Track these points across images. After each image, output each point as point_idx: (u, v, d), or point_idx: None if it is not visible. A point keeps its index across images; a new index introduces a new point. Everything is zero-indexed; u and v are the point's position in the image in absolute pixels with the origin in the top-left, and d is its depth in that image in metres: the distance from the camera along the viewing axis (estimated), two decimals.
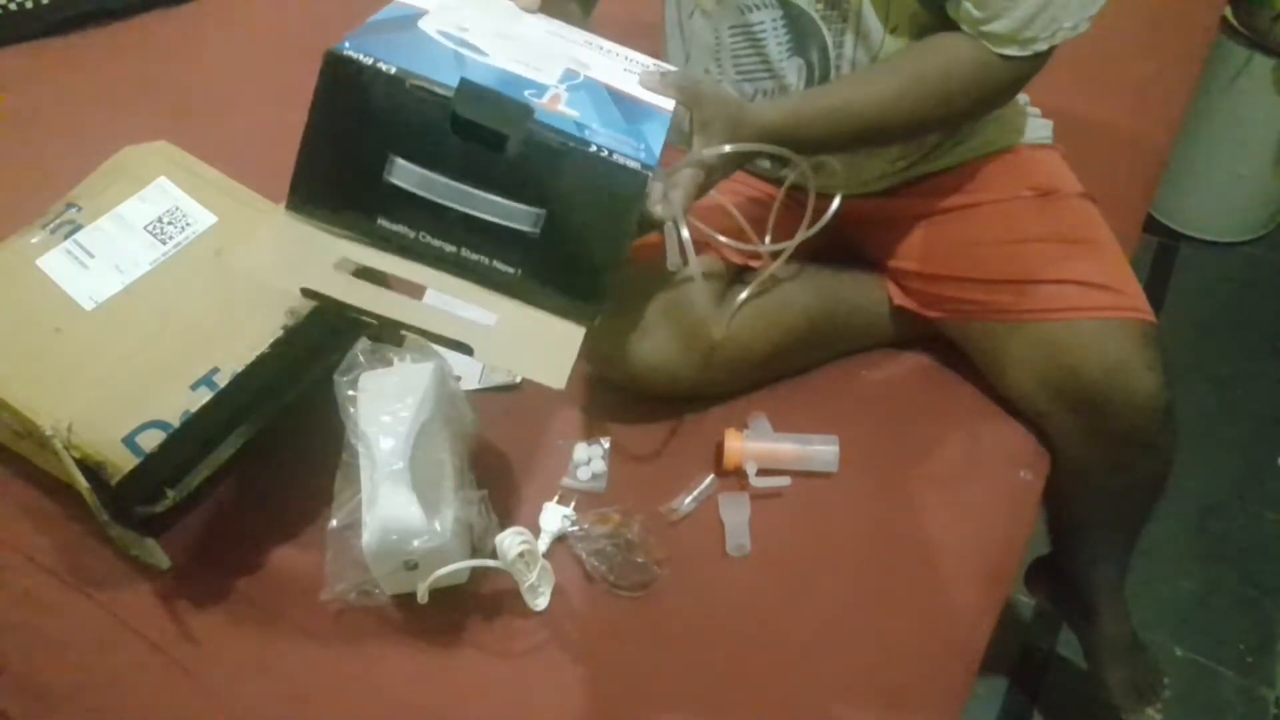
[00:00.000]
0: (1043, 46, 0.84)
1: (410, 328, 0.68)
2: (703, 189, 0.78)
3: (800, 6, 0.90)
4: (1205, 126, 1.80)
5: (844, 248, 1.09)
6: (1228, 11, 1.72)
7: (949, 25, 0.86)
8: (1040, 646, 1.46)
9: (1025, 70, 0.87)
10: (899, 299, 1.05)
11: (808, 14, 0.90)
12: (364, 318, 0.68)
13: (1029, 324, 0.95)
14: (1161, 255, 1.99)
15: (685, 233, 0.75)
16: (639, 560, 0.90)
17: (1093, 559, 1.20)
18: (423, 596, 0.84)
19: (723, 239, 0.92)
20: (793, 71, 0.94)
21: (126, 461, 0.86)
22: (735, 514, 0.94)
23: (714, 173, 0.78)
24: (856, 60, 0.92)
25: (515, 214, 0.66)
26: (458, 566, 0.85)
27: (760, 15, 0.92)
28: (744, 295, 0.99)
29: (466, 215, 0.66)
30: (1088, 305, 0.93)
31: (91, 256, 0.97)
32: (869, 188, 1.03)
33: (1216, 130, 1.84)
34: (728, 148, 0.77)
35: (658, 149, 0.67)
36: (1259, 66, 1.73)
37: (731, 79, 0.98)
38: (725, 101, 0.79)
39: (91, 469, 0.86)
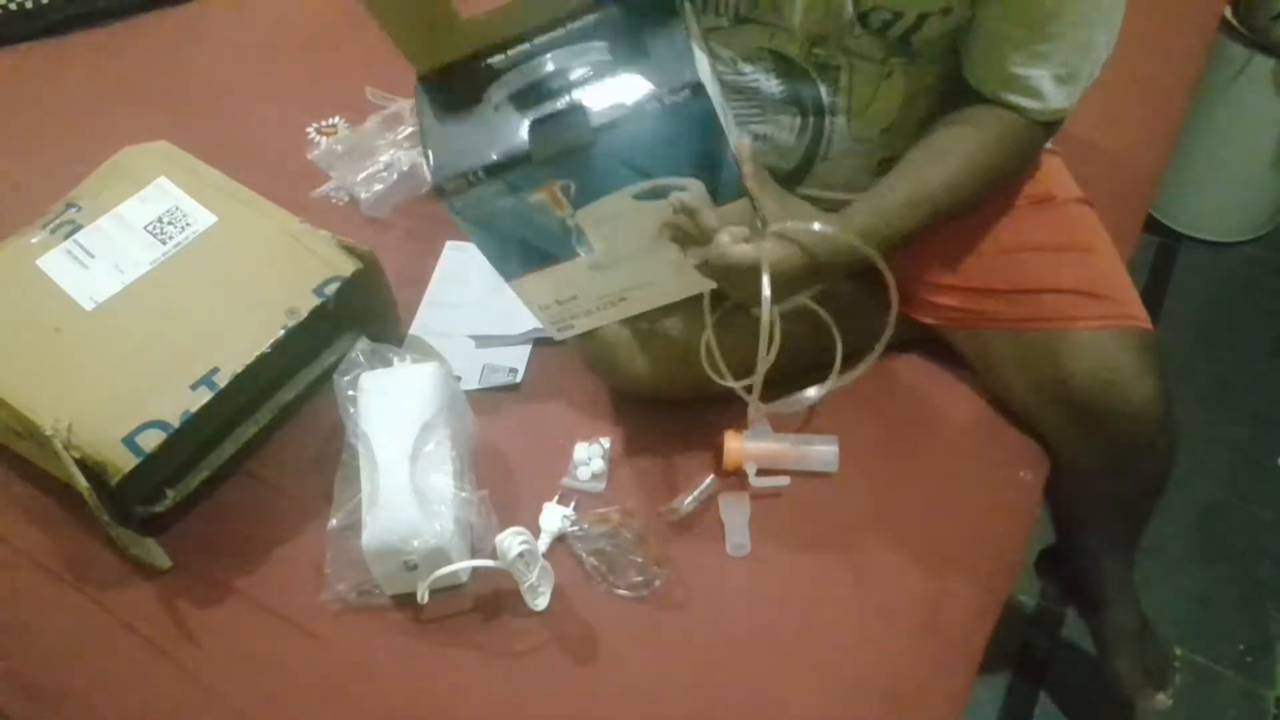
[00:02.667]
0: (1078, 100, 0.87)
1: None
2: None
3: (793, 58, 0.89)
4: (1205, 126, 1.80)
5: None
6: (1228, 11, 1.71)
7: (946, 66, 0.88)
8: (1040, 644, 1.46)
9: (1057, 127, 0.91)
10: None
11: (799, 65, 0.89)
12: None
13: (1022, 333, 0.95)
14: (1161, 255, 1.99)
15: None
16: (639, 560, 0.90)
17: (1097, 553, 1.20)
18: (423, 596, 0.84)
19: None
20: (786, 117, 0.94)
21: (126, 461, 0.86)
22: (735, 514, 0.94)
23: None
24: (853, 106, 0.91)
25: None
26: (458, 566, 0.85)
27: (756, 66, 0.92)
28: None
29: None
30: (1081, 314, 0.93)
31: (91, 256, 0.97)
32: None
33: (1216, 130, 1.83)
34: (816, 226, 0.80)
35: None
36: (1259, 66, 1.72)
37: None
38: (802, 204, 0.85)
39: (91, 469, 0.86)
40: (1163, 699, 1.26)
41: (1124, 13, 0.83)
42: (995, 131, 0.87)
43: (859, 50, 0.87)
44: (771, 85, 0.92)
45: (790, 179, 0.99)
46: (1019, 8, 0.80)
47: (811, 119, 0.93)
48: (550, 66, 0.74)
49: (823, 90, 0.90)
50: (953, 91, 0.89)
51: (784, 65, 0.90)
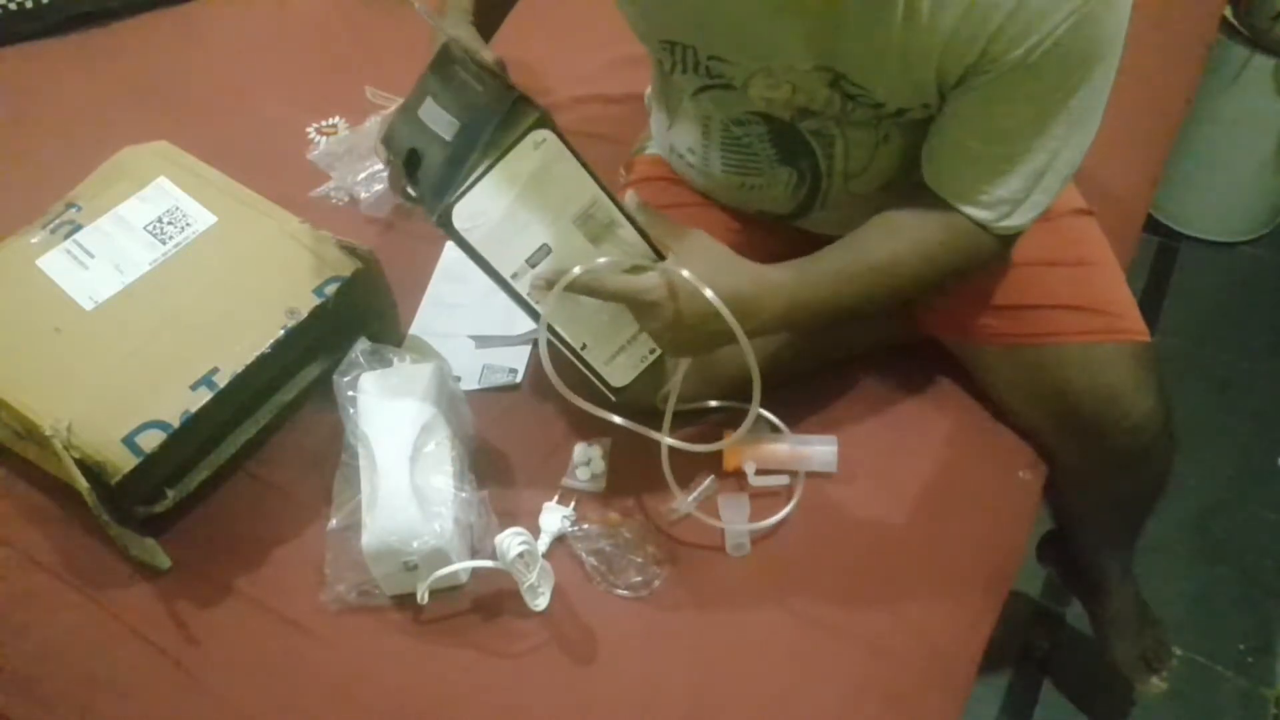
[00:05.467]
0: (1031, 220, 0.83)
1: None
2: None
3: (785, 120, 0.88)
4: (1205, 126, 1.80)
5: None
6: (1228, 11, 1.71)
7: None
8: (1040, 645, 1.46)
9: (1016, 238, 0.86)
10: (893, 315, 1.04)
11: (795, 128, 0.88)
12: None
13: (1019, 348, 0.95)
14: (1161, 255, 1.99)
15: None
16: (639, 560, 0.90)
17: (1097, 545, 1.21)
18: (422, 597, 0.84)
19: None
20: (783, 174, 0.93)
21: (126, 461, 0.86)
22: (735, 514, 0.94)
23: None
24: (849, 170, 0.90)
25: None
26: (457, 567, 0.85)
27: (746, 129, 0.91)
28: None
29: None
30: (1078, 330, 0.93)
31: (91, 256, 0.97)
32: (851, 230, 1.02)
33: (1216, 130, 1.83)
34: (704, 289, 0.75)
35: None
36: (1259, 66, 1.72)
37: (718, 168, 0.97)
38: (737, 260, 0.80)
39: (91, 469, 0.86)
40: (1158, 682, 1.27)
41: (1097, 126, 0.80)
42: (953, 227, 0.82)
43: (852, 120, 0.85)
44: (766, 147, 0.92)
45: (783, 219, 0.99)
46: (979, 120, 0.77)
47: (809, 177, 0.92)
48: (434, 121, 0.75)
49: (818, 153, 0.90)
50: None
51: (776, 127, 0.89)
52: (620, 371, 0.86)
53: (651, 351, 0.86)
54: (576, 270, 0.76)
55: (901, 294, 0.86)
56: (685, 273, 0.76)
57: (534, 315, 0.79)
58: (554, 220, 0.76)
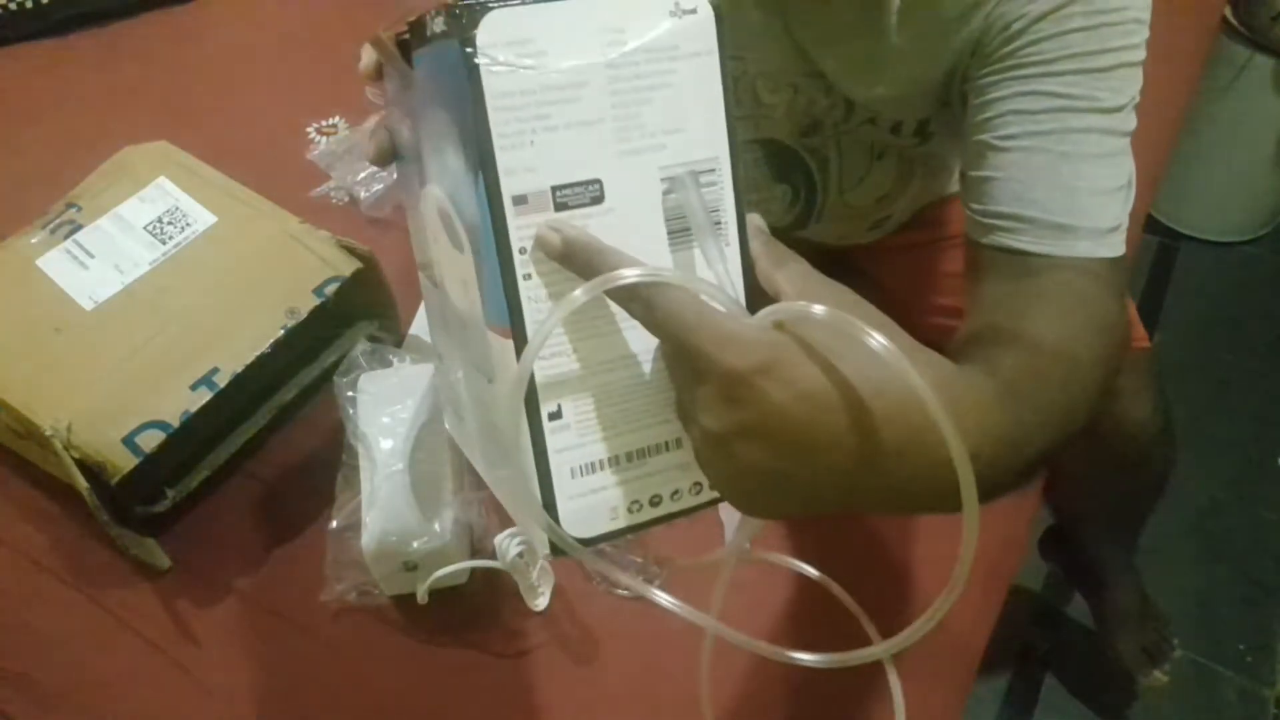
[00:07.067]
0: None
1: None
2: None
3: (779, 140, 0.87)
4: (1205, 126, 1.80)
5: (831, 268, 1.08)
6: (1228, 11, 1.72)
7: (943, 138, 0.78)
8: (1040, 644, 1.46)
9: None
10: None
11: (788, 146, 0.87)
12: None
13: None
14: (1161, 255, 1.99)
15: None
16: (639, 560, 0.90)
17: (1098, 544, 1.21)
18: (422, 597, 0.84)
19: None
20: (778, 191, 0.93)
21: (126, 461, 0.86)
22: (735, 513, 0.93)
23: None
24: (844, 185, 0.90)
25: None
26: (457, 567, 0.85)
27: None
28: None
29: None
30: None
31: (91, 256, 0.97)
32: (852, 240, 1.01)
33: (1216, 130, 1.84)
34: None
35: None
36: (1259, 66, 1.73)
37: None
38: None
39: (91, 469, 0.86)
40: (1160, 675, 1.28)
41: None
42: (1073, 267, 0.62)
43: (850, 134, 0.84)
44: (760, 168, 0.91)
45: (780, 231, 0.99)
46: (1021, 111, 0.63)
47: (803, 192, 0.92)
48: None
49: (813, 169, 0.89)
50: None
51: (773, 150, 0.89)
52: (588, 507, 0.48)
53: (673, 495, 0.52)
54: (650, 271, 0.40)
55: (1090, 392, 0.59)
56: (835, 318, 0.39)
57: (500, 305, 0.43)
58: (635, 153, 0.44)
